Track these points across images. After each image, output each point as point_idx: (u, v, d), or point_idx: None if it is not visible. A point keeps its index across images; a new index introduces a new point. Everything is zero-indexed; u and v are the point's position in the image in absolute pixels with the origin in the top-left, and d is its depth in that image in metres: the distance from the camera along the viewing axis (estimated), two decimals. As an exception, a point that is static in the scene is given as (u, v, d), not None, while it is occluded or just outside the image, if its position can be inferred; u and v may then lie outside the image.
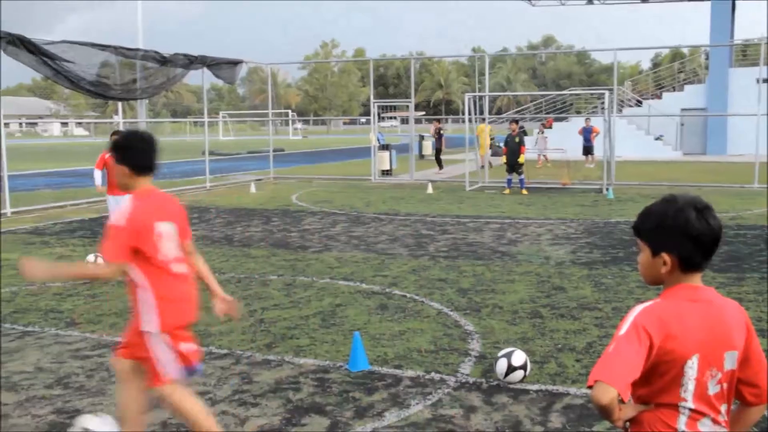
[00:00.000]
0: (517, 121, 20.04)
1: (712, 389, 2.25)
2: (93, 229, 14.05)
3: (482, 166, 23.24)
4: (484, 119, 25.22)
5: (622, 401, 2.09)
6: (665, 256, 2.28)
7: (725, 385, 2.28)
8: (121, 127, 22.51)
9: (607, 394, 2.05)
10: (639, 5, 47.76)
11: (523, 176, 19.54)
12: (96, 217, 15.88)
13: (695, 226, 2.24)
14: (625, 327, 2.19)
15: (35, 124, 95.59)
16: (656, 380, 2.23)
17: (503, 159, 19.71)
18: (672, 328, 2.19)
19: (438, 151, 28.63)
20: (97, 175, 11.96)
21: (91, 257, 9.49)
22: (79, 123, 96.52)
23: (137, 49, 19.16)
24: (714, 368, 2.24)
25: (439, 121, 31.38)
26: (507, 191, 19.47)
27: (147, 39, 21.54)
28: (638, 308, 2.24)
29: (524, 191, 19.32)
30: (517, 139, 19.36)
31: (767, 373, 2.36)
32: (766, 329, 6.83)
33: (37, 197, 19.38)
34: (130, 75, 19.91)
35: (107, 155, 8.86)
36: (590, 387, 2.10)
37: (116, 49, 17.95)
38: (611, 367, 2.11)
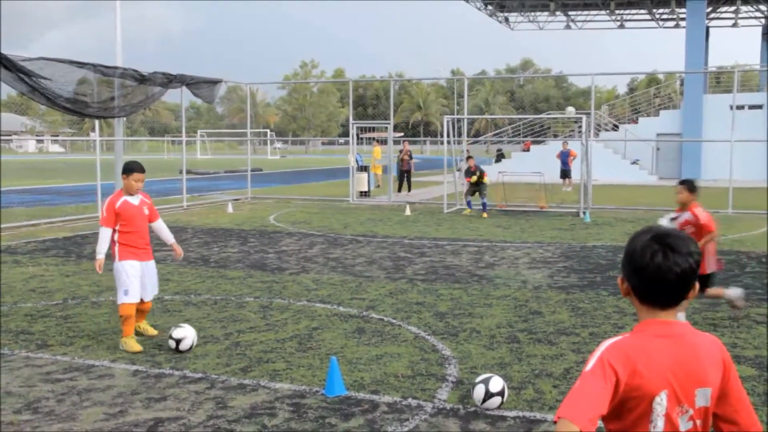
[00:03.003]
0: (471, 157, 20.47)
1: (684, 426, 2.22)
2: (67, 248, 13.86)
3: (377, 186, 27.31)
4: (461, 141, 25.34)
5: None
6: (619, 280, 2.33)
7: (699, 422, 2.25)
8: (98, 145, 22.35)
9: (568, 430, 2.03)
10: (616, 31, 48.41)
11: (485, 200, 19.74)
12: (70, 236, 15.68)
13: (637, 259, 2.21)
14: (591, 363, 2.18)
15: (10, 140, 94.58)
16: (626, 416, 2.21)
17: (473, 179, 20.02)
18: (638, 364, 2.17)
19: (408, 173, 28.33)
20: (105, 235, 7.37)
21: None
22: (55, 140, 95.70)
23: (116, 67, 19.03)
24: (684, 405, 2.21)
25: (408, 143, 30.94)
26: (467, 211, 20.06)
27: (126, 57, 21.43)
28: (606, 343, 2.23)
29: (485, 214, 19.59)
30: (477, 173, 19.63)
31: (749, 410, 2.33)
32: (741, 355, 6.87)
33: (10, 215, 19.12)
34: (108, 93, 19.76)
35: (119, 201, 7.33)
36: (555, 422, 2.09)
37: (95, 67, 17.81)
38: (575, 403, 2.09)
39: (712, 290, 8.05)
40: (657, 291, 2.23)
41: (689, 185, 8.03)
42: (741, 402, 2.31)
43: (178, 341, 6.93)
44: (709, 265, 7.81)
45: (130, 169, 7.38)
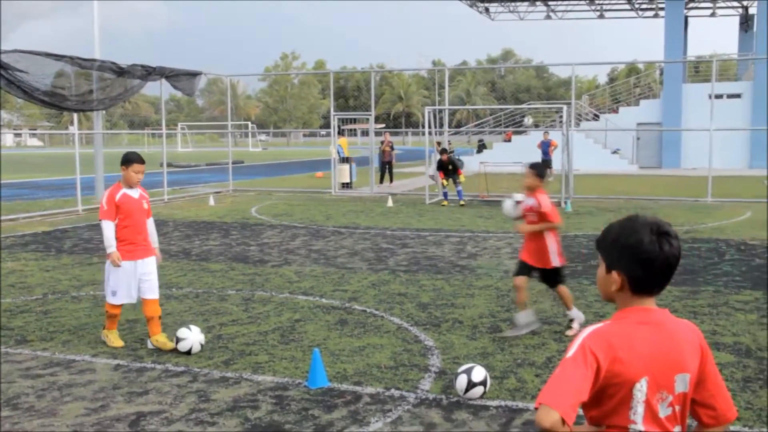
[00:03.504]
0: (446, 150, 20.51)
1: (663, 412, 2.24)
2: (46, 243, 13.74)
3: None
4: (442, 132, 25.37)
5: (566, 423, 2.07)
6: (615, 275, 2.28)
7: (677, 408, 2.27)
8: (77, 138, 22.14)
9: (549, 417, 2.04)
10: (596, 21, 48.61)
11: (460, 188, 19.90)
12: (49, 230, 15.55)
13: (647, 249, 2.21)
14: (572, 349, 2.18)
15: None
16: (606, 402, 2.22)
17: (444, 183, 20.17)
18: (620, 351, 2.18)
19: (389, 165, 28.30)
20: (109, 229, 6.94)
21: None
22: (33, 133, 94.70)
23: (93, 60, 18.86)
24: (664, 391, 2.23)
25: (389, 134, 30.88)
26: (445, 203, 20.14)
27: (105, 50, 21.25)
28: (587, 330, 2.23)
29: (445, 202, 20.01)
30: (450, 167, 19.74)
31: (725, 395, 2.36)
32: (720, 342, 6.94)
33: (-11, 210, 18.91)
34: (87, 86, 19.59)
35: (119, 194, 6.96)
36: (536, 409, 2.09)
37: (72, 59, 17.63)
38: (556, 390, 2.10)
39: (566, 294, 7.38)
40: (661, 279, 2.26)
41: (538, 170, 7.42)
42: (717, 387, 2.34)
43: (178, 340, 6.71)
44: (554, 259, 7.28)
45: (128, 159, 6.98)
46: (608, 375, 2.16)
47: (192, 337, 6.72)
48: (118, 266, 6.84)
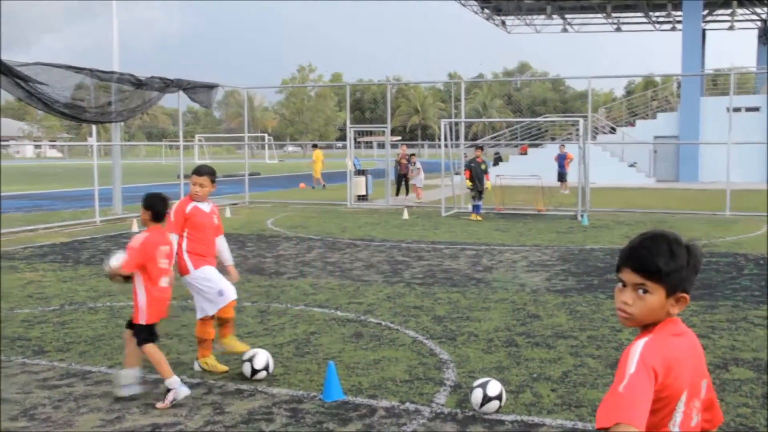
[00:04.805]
0: (481, 147, 20.19)
1: (695, 419, 2.27)
2: (64, 254, 13.84)
3: (323, 186, 31.63)
4: (458, 144, 25.36)
5: None
6: (682, 296, 2.26)
7: (700, 413, 2.31)
8: (95, 150, 22.33)
9: None
10: (612, 34, 48.53)
11: (480, 202, 19.60)
12: (67, 241, 15.66)
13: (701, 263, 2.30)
14: (633, 364, 2.13)
15: (8, 145, 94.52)
16: (652, 415, 2.19)
17: (468, 184, 19.64)
18: (672, 364, 2.18)
19: (405, 177, 28.23)
20: (173, 243, 6.35)
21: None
22: (53, 145, 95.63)
23: (112, 72, 19.04)
24: (696, 399, 2.27)
25: (407, 146, 30.82)
26: (475, 217, 19.43)
27: (123, 60, 21.46)
28: (640, 344, 2.19)
29: (478, 217, 19.41)
30: (483, 166, 19.48)
31: (716, 399, 2.44)
32: (740, 358, 6.86)
33: (8, 220, 19.08)
34: (105, 98, 19.77)
35: (189, 206, 6.50)
36: (604, 429, 2.02)
37: (91, 72, 17.82)
38: (630, 407, 2.04)
39: (153, 356, 5.83)
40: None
41: (145, 202, 6.00)
42: (712, 392, 2.42)
43: (251, 361, 6.31)
44: (140, 313, 5.84)
45: (193, 172, 6.54)
46: (660, 388, 2.15)
47: (262, 354, 6.38)
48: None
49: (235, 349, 6.58)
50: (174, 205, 6.40)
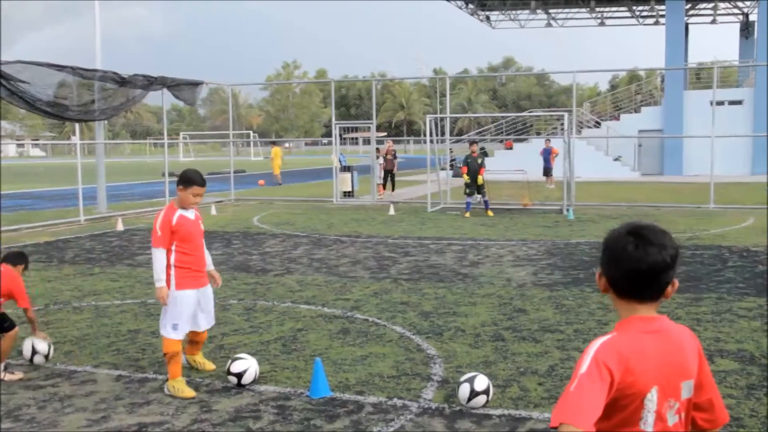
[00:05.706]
0: (476, 142, 20.07)
1: (671, 420, 2.23)
2: (48, 253, 13.74)
3: (279, 183, 32.93)
4: (444, 140, 25.38)
5: None
6: (597, 275, 2.34)
7: (683, 415, 2.28)
8: (79, 149, 22.18)
9: None
10: (596, 28, 48.70)
11: (486, 197, 19.58)
12: (51, 240, 15.55)
13: (625, 252, 2.22)
14: (585, 364, 2.14)
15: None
16: (616, 414, 2.19)
17: (466, 178, 19.50)
18: (631, 362, 2.16)
19: (391, 173, 28.15)
20: (162, 259, 6.08)
21: None
22: (36, 144, 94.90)
23: (95, 70, 18.90)
24: (672, 399, 2.23)
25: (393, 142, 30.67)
26: (467, 214, 19.27)
27: (106, 58, 21.32)
28: (597, 343, 2.20)
29: (489, 212, 19.35)
30: (479, 160, 19.37)
31: (720, 399, 2.38)
32: (724, 349, 6.91)
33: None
34: (89, 96, 19.63)
35: (175, 216, 6.10)
36: (554, 428, 2.04)
37: (73, 70, 17.66)
38: (576, 407, 2.05)
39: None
40: (631, 283, 2.24)
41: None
42: (713, 390, 2.37)
43: (239, 375, 6.09)
44: None
45: (189, 180, 6.05)
46: (621, 387, 2.14)
47: (251, 361, 6.19)
48: (165, 305, 6.05)
49: (204, 367, 6.51)
50: (159, 216, 6.06)
